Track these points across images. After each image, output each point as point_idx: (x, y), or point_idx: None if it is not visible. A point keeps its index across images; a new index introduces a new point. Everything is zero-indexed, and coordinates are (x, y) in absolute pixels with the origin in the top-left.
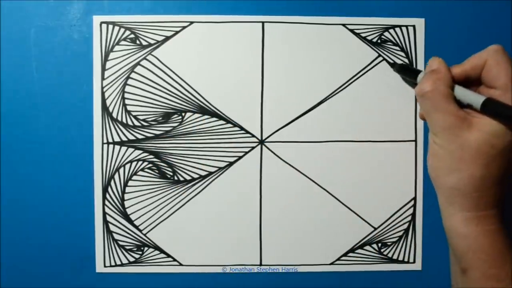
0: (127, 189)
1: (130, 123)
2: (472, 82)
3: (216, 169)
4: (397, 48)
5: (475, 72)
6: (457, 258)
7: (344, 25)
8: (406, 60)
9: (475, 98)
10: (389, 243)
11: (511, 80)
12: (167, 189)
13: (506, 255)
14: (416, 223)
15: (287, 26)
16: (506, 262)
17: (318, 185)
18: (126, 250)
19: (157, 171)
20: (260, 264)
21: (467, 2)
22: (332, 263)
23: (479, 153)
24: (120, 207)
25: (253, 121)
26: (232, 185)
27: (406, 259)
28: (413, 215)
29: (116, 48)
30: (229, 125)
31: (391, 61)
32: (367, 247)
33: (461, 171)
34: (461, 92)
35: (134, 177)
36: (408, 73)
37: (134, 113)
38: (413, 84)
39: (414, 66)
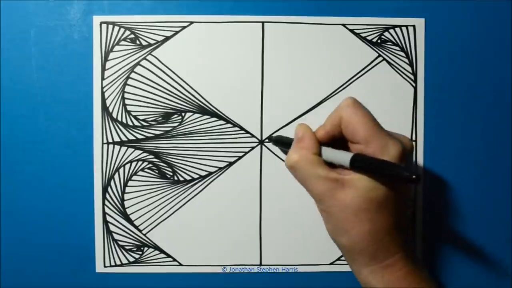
0: (127, 189)
1: (130, 123)
2: (338, 140)
3: (216, 169)
4: (397, 48)
5: (336, 130)
6: None
7: (344, 25)
8: (406, 60)
9: (342, 157)
10: None
11: (369, 133)
12: (167, 189)
13: None
14: (416, 223)
15: (287, 26)
16: None
17: None
18: (126, 250)
19: (157, 171)
20: (260, 264)
21: (467, 2)
22: (332, 263)
23: (360, 210)
24: (120, 207)
25: (253, 121)
26: (232, 185)
27: None
28: (413, 215)
29: (116, 48)
30: (229, 125)
31: (268, 136)
32: None
33: (348, 231)
34: (329, 153)
35: (134, 177)
36: (283, 144)
37: (134, 113)
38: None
39: (414, 68)
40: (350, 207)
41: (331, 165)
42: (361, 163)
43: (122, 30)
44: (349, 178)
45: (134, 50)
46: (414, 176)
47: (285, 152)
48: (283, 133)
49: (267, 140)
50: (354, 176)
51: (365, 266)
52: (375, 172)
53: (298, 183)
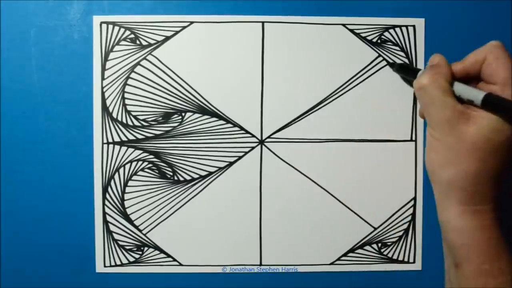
0: (127, 189)
1: (130, 123)
2: (472, 79)
3: (216, 169)
4: (397, 48)
5: (474, 68)
6: (451, 252)
7: (344, 25)
8: (406, 60)
9: (475, 94)
10: (389, 243)
11: (511, 76)
12: (167, 189)
13: (499, 251)
14: (416, 223)
15: (287, 26)
16: (499, 258)
17: (318, 185)
18: (126, 250)
19: (157, 171)
20: (260, 264)
21: (467, 2)
22: (332, 263)
23: (476, 147)
24: (120, 207)
25: (253, 121)
26: (232, 185)
27: (406, 259)
28: (413, 215)
29: (116, 48)
30: (229, 125)
31: (391, 61)
32: (367, 247)
33: (457, 164)
34: (461, 88)
35: (134, 177)
36: (408, 72)
37: (134, 113)
38: (412, 83)
39: (414, 66)
40: (468, 142)
41: (459, 100)
42: (494, 101)
43: (122, 30)
44: (476, 114)
45: (134, 50)
46: None
47: (406, 80)
48: (283, 133)
49: (267, 140)
50: (482, 113)
51: (457, 205)
52: (507, 112)
53: (298, 182)
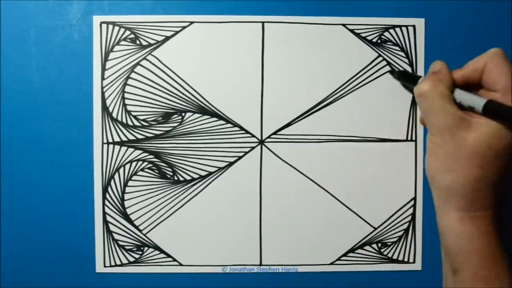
0: (127, 189)
1: (130, 123)
2: (472, 86)
3: (216, 169)
4: (397, 48)
5: (475, 75)
6: (449, 258)
7: (344, 25)
8: (406, 60)
9: (476, 101)
10: (389, 243)
11: (511, 83)
12: (167, 189)
13: (497, 257)
14: (416, 223)
15: (287, 26)
16: (497, 264)
17: (318, 185)
18: (126, 250)
19: (157, 171)
20: (260, 264)
21: (467, 2)
22: (332, 263)
23: (476, 154)
24: (120, 207)
25: (253, 121)
26: (232, 185)
27: (406, 259)
28: (413, 215)
29: (116, 48)
30: (229, 125)
31: (391, 69)
32: (367, 247)
33: (457, 171)
34: (461, 95)
35: (134, 177)
36: (408, 79)
37: (134, 113)
38: (413, 90)
39: (414, 68)
40: (468, 148)
41: (460, 107)
42: (495, 108)
43: (122, 30)
44: (476, 121)
45: (134, 50)
46: None
47: (406, 87)
48: (283, 133)
49: (267, 140)
50: (482, 120)
51: (456, 211)
52: (507, 119)
53: (298, 182)
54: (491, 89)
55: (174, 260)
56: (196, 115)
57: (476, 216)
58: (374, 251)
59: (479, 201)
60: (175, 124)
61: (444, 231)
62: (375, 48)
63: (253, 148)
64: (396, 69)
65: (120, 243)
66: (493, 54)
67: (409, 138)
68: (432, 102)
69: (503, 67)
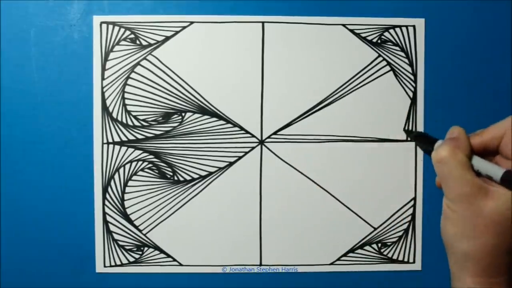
0: (127, 189)
1: (130, 123)
2: (490, 152)
3: (216, 169)
4: (397, 48)
5: (493, 143)
6: None
7: (344, 25)
8: (406, 60)
9: (494, 170)
10: (389, 243)
11: None
12: (167, 189)
13: None
14: (416, 223)
15: (287, 26)
16: None
17: (318, 185)
18: (126, 250)
19: (157, 171)
20: (260, 264)
21: (467, 2)
22: (332, 263)
23: (493, 223)
24: (120, 207)
25: (253, 121)
26: (232, 185)
27: (406, 259)
28: (413, 215)
29: (116, 48)
30: (229, 125)
31: (407, 129)
32: (367, 247)
33: (474, 238)
34: (480, 163)
35: (134, 177)
36: (425, 141)
37: (134, 113)
38: (429, 152)
39: (414, 68)
40: (486, 217)
41: (477, 174)
42: None
43: (122, 30)
44: (494, 190)
45: (134, 50)
46: None
47: (423, 149)
48: (283, 133)
49: (267, 140)
50: (500, 189)
51: (472, 276)
52: None
53: (298, 182)
54: (508, 158)
55: (174, 260)
56: (196, 115)
57: (491, 282)
58: (374, 251)
59: (495, 267)
60: (175, 124)
61: None
62: (375, 48)
63: (253, 148)
64: (413, 130)
65: (120, 243)
66: None
67: (409, 138)
68: (450, 169)
69: None
